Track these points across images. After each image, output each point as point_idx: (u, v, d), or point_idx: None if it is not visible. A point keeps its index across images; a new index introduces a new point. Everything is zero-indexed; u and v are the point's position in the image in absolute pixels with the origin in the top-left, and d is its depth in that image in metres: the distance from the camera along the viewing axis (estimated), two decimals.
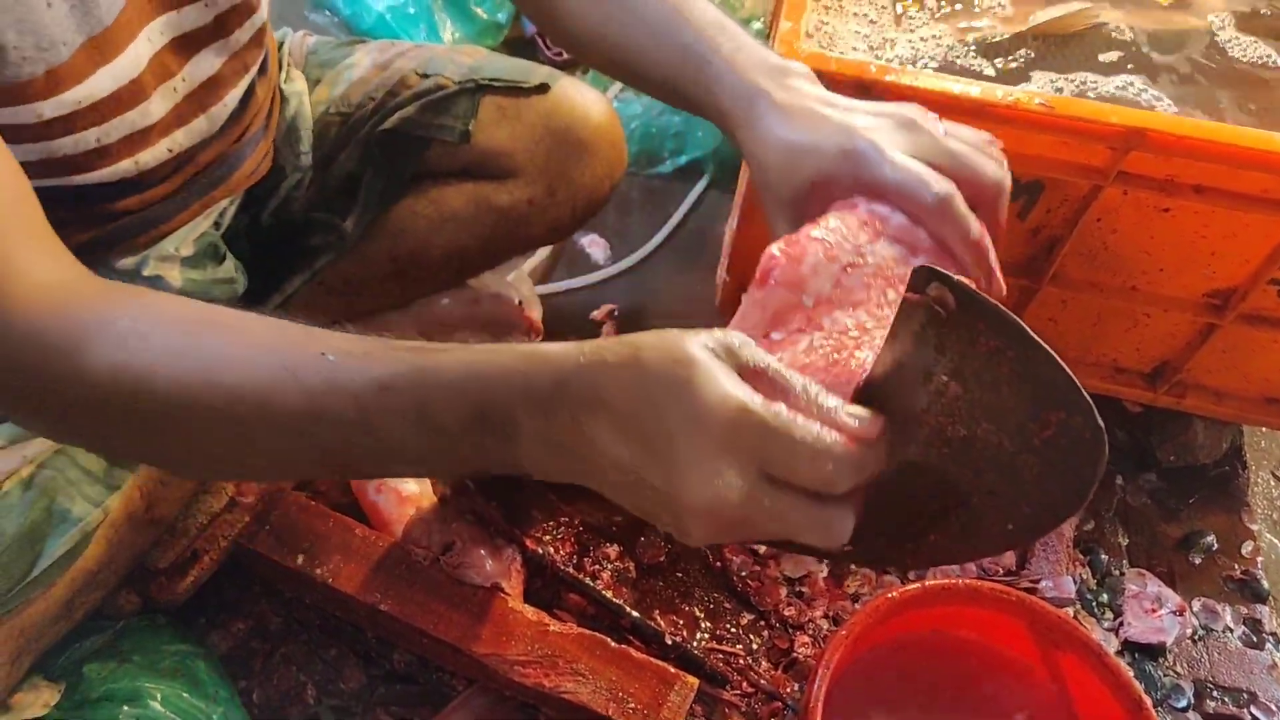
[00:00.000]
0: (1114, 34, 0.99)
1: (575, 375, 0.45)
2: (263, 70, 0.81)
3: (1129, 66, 0.96)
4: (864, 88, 0.81)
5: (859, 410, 0.46)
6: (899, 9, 1.00)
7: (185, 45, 0.71)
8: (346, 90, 0.92)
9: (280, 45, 0.92)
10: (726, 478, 0.42)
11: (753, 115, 0.61)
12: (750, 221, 0.96)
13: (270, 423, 0.49)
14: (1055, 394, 0.43)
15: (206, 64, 0.73)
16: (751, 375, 0.44)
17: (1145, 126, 0.78)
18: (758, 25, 1.37)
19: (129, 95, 0.67)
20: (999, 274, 0.58)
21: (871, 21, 0.99)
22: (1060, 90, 0.93)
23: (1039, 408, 0.44)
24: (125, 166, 0.70)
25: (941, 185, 0.55)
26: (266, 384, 0.48)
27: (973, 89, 0.81)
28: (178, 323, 0.51)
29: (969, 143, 0.59)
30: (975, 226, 0.56)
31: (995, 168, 0.58)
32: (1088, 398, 0.43)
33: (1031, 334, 0.42)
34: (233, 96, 0.77)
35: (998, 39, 0.97)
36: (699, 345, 0.44)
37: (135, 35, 0.66)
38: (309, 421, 0.48)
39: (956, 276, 0.41)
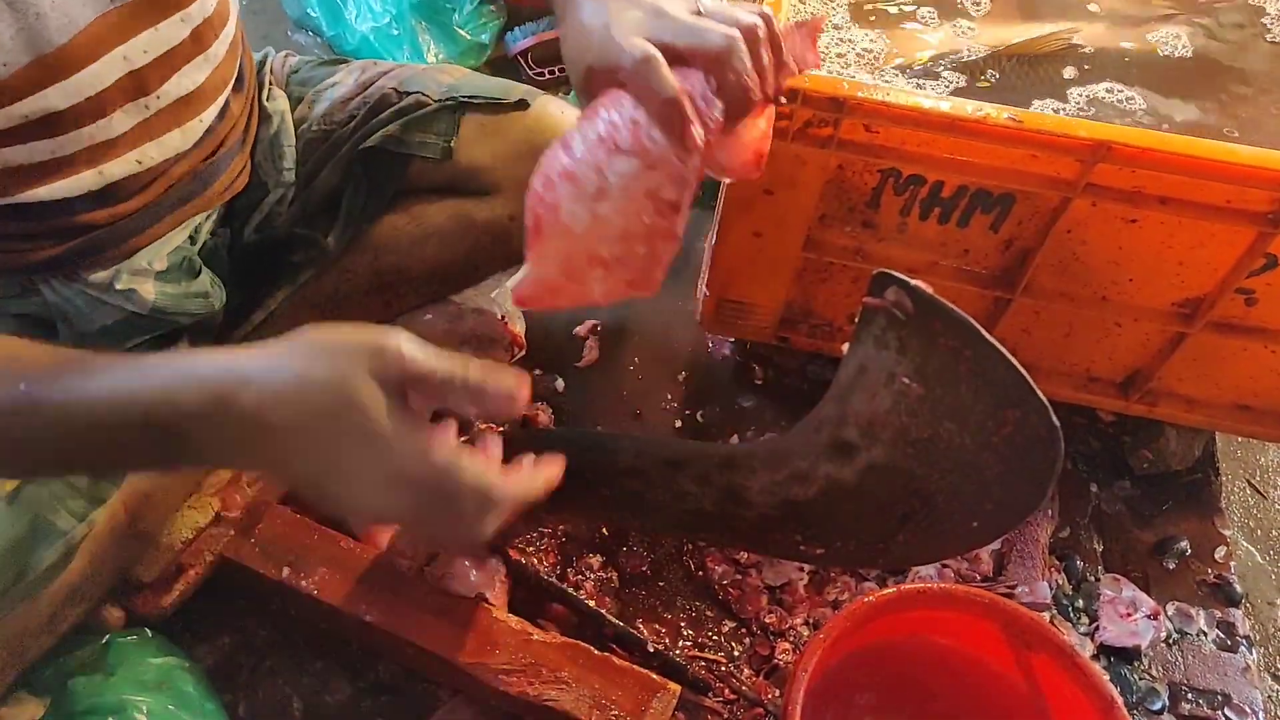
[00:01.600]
0: (1084, 53, 1.01)
1: (237, 395, 0.49)
2: (238, 86, 0.82)
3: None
4: (838, 104, 0.83)
5: (507, 380, 0.52)
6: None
7: (165, 63, 0.72)
8: (329, 108, 0.94)
9: (262, 65, 0.94)
10: (396, 508, 0.51)
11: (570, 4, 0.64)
12: (729, 238, 0.98)
13: None
14: (1011, 393, 0.45)
15: (188, 80, 0.74)
16: (414, 384, 0.51)
17: (1110, 140, 0.80)
18: None
19: (87, 111, 0.68)
20: (700, 130, 0.58)
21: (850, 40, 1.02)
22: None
23: (997, 406, 0.45)
24: (89, 177, 0.71)
25: (638, 56, 0.57)
26: None
27: (943, 104, 0.83)
28: None
29: (719, 18, 0.60)
30: (668, 88, 0.57)
31: (718, 34, 0.58)
32: (1042, 396, 0.44)
33: (986, 335, 0.43)
34: (209, 112, 0.78)
35: (973, 58, 1.00)
36: (364, 383, 0.49)
37: (100, 55, 0.67)
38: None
39: (914, 281, 0.42)
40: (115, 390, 0.51)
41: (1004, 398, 0.44)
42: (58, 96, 0.66)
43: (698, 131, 0.56)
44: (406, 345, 0.51)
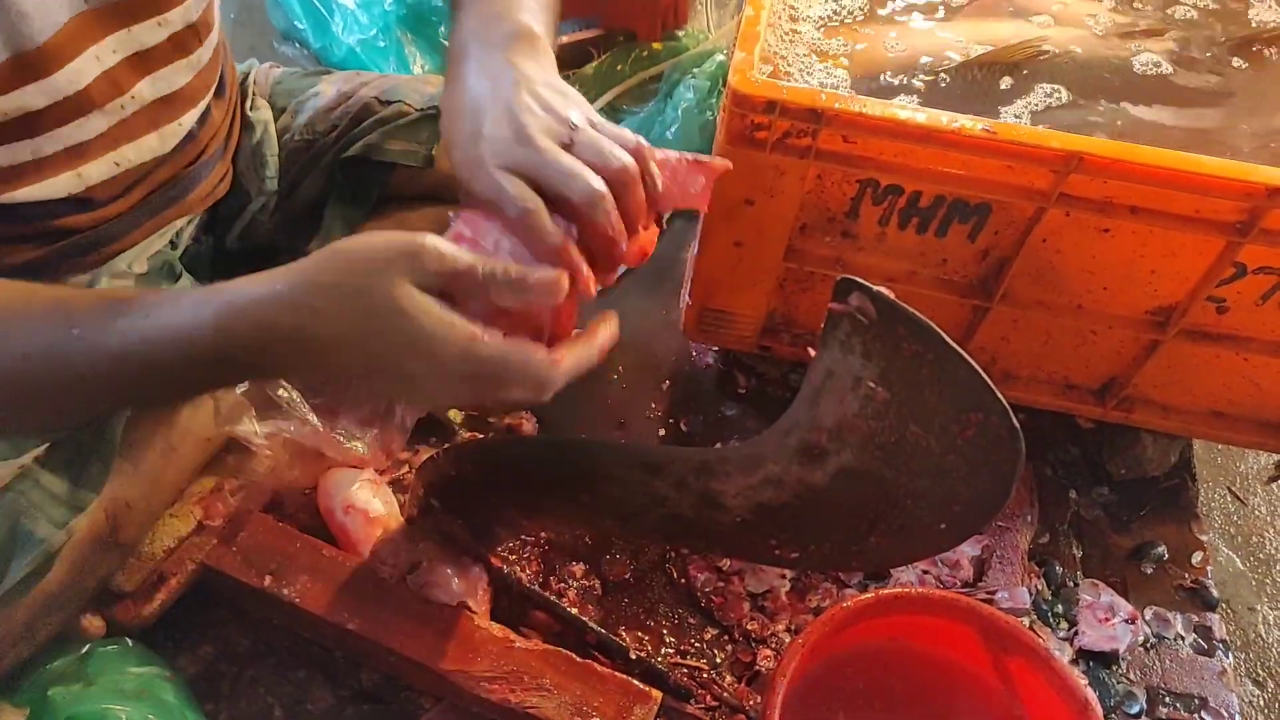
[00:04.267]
0: (1055, 61, 1.03)
1: (278, 322, 0.52)
2: (220, 92, 0.83)
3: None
4: (815, 115, 0.84)
5: (547, 271, 0.55)
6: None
7: (138, 64, 0.73)
8: (311, 118, 0.95)
9: (245, 76, 0.95)
10: (451, 400, 0.58)
11: (453, 72, 0.65)
12: (710, 247, 0.99)
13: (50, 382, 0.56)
14: (973, 396, 0.46)
15: (164, 83, 0.75)
16: (451, 280, 0.52)
17: (1082, 150, 0.82)
18: (720, 57, 1.41)
19: (66, 110, 0.69)
20: (589, 275, 0.59)
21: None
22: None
23: (960, 409, 0.46)
24: (67, 179, 0.72)
25: (521, 206, 0.58)
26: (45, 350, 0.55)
27: (918, 115, 0.84)
28: None
29: (589, 155, 0.60)
30: (553, 239, 0.58)
31: (584, 186, 0.59)
32: (1002, 399, 0.45)
33: (947, 338, 0.44)
34: (189, 117, 0.78)
35: (945, 68, 1.01)
36: (403, 289, 0.51)
37: (76, 54, 0.68)
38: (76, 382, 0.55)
39: (876, 287, 0.43)
40: (166, 331, 0.53)
41: (966, 401, 0.45)
42: (37, 95, 0.66)
43: (588, 273, 0.58)
44: (442, 243, 0.53)
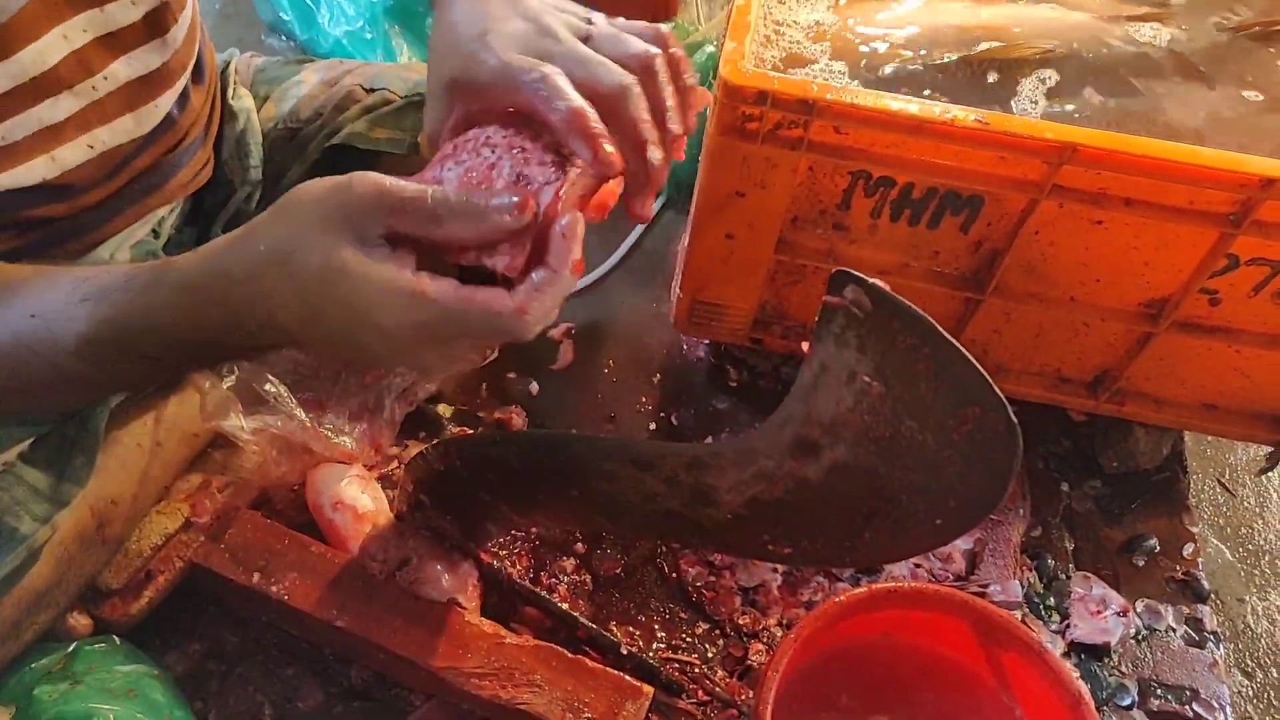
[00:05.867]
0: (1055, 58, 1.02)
1: (230, 293, 0.51)
2: (198, 78, 0.82)
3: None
4: (807, 106, 0.83)
5: (503, 199, 0.47)
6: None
7: (111, 44, 0.71)
8: (294, 106, 0.94)
9: (226, 64, 0.94)
10: (413, 357, 0.50)
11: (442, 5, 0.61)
12: (701, 240, 0.99)
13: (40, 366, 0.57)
14: (970, 391, 0.45)
15: (139, 63, 0.73)
16: (397, 217, 0.47)
17: (1076, 141, 0.81)
18: (710, 49, 1.40)
19: (33, 91, 0.67)
20: (614, 152, 0.52)
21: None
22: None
23: (956, 404, 0.46)
24: (41, 164, 0.70)
25: (532, 74, 0.53)
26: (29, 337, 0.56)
27: (910, 106, 0.84)
28: None
29: (610, 46, 0.56)
30: (574, 99, 0.52)
31: (611, 75, 0.54)
32: (1000, 394, 0.45)
33: (942, 332, 0.44)
34: (166, 98, 0.77)
35: (944, 61, 1.00)
36: (335, 245, 0.47)
37: (41, 34, 0.66)
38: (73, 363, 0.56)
39: (871, 280, 0.43)
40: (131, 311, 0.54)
41: (963, 395, 0.45)
42: (3, 78, 0.64)
43: (608, 147, 0.51)
44: (378, 177, 0.47)
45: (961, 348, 0.43)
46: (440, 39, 0.59)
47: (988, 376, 0.45)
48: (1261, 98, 0.98)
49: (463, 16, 0.57)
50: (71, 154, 0.72)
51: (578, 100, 0.52)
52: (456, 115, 0.58)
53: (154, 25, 0.73)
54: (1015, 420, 0.46)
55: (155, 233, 0.84)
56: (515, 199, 0.47)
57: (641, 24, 0.58)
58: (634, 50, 0.55)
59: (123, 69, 0.72)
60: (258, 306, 0.50)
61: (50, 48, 0.67)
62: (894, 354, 0.44)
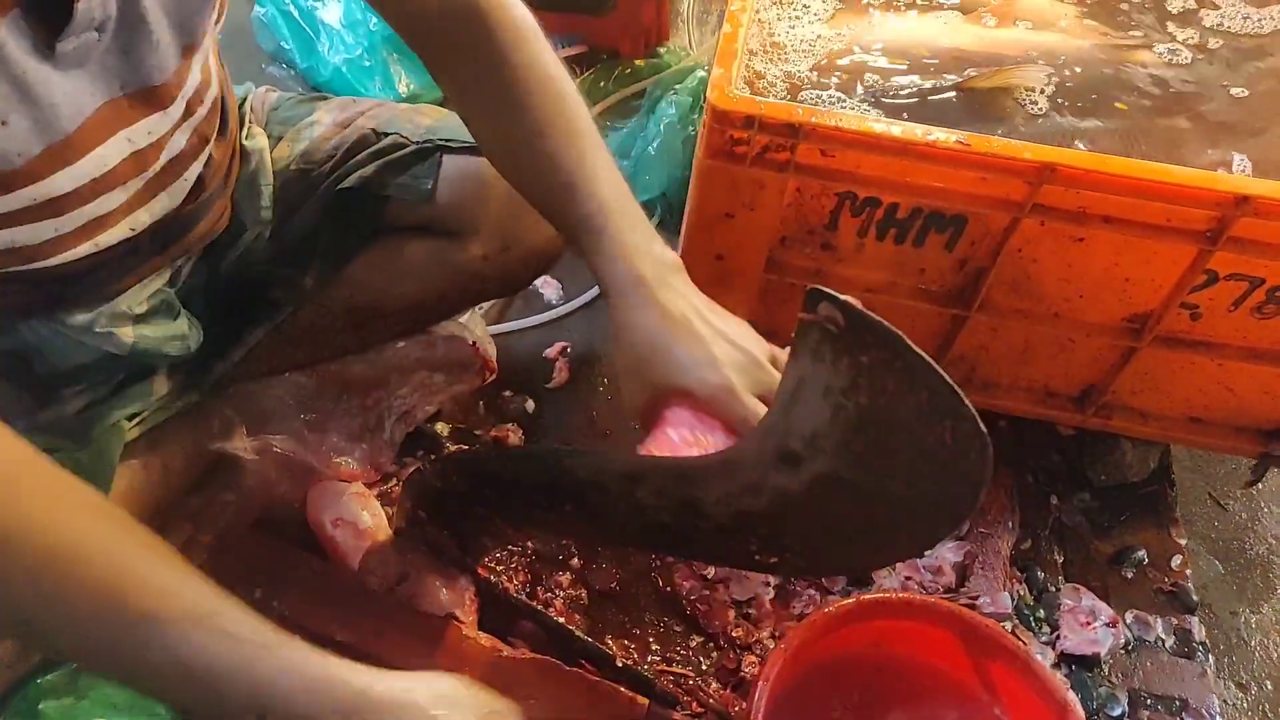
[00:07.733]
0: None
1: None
2: (222, 134, 0.83)
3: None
4: (793, 129, 0.86)
5: None
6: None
7: (167, 138, 0.73)
8: (308, 147, 0.94)
9: (243, 102, 0.95)
10: None
11: (632, 300, 0.69)
12: (692, 260, 1.00)
13: (72, 591, 0.51)
14: (941, 403, 0.47)
15: (174, 145, 0.75)
16: None
17: (1055, 162, 0.84)
18: (701, 74, 1.43)
19: (89, 191, 0.69)
20: None
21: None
22: None
23: (929, 416, 0.47)
24: (85, 249, 0.72)
25: (749, 409, 0.64)
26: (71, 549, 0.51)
27: (894, 128, 0.86)
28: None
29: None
30: (754, 416, 0.63)
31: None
32: (970, 406, 0.46)
33: (914, 347, 0.45)
34: (193, 171, 0.78)
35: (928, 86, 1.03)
36: None
37: (103, 139, 0.67)
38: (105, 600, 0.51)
39: (843, 296, 0.45)
40: (243, 674, 0.54)
41: (934, 408, 0.47)
42: (65, 180, 0.66)
43: None
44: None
45: (932, 361, 0.45)
46: (643, 341, 0.68)
47: (957, 389, 0.47)
48: None
49: (667, 328, 0.68)
50: (112, 236, 0.73)
51: (756, 415, 0.63)
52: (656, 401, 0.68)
53: (189, 111, 0.75)
54: (985, 431, 0.47)
55: (172, 281, 0.85)
56: None
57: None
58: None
59: (163, 156, 0.74)
60: None
61: (112, 153, 0.68)
62: (868, 368, 0.46)
